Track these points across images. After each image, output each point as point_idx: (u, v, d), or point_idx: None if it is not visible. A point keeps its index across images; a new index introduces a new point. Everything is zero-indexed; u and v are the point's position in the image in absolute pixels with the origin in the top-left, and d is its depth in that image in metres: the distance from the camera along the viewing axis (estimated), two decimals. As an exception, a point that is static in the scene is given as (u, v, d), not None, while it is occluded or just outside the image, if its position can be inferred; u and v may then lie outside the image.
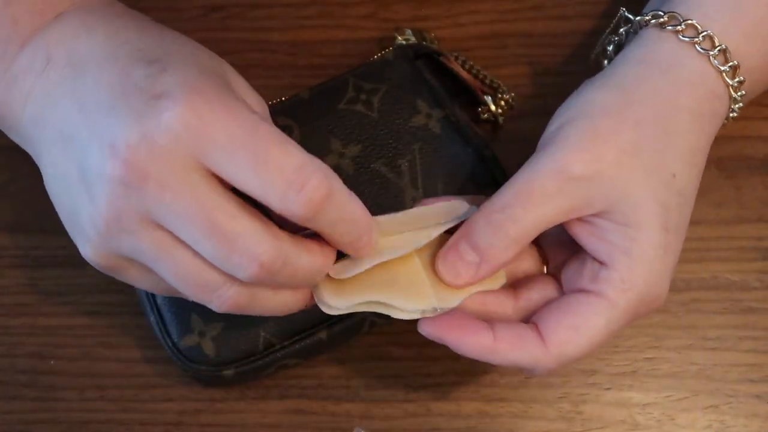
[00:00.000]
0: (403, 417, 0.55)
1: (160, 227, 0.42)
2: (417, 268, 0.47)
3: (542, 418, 0.55)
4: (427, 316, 0.46)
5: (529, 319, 0.47)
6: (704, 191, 0.58)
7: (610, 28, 0.54)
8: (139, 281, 0.46)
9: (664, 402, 0.55)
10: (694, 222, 0.57)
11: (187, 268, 0.42)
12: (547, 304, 0.47)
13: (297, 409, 0.55)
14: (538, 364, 0.46)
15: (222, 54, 0.63)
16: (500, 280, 0.48)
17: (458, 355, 0.55)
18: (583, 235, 0.46)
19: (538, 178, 0.45)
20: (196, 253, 0.42)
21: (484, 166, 0.55)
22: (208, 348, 0.52)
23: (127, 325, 0.57)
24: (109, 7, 0.48)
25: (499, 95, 0.60)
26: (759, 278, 0.56)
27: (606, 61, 0.55)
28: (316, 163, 0.41)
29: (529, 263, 0.50)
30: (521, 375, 0.55)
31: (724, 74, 0.49)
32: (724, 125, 0.51)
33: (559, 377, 0.55)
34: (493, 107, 0.59)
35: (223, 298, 0.43)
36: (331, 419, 0.55)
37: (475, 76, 0.60)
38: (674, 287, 0.56)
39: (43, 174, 0.46)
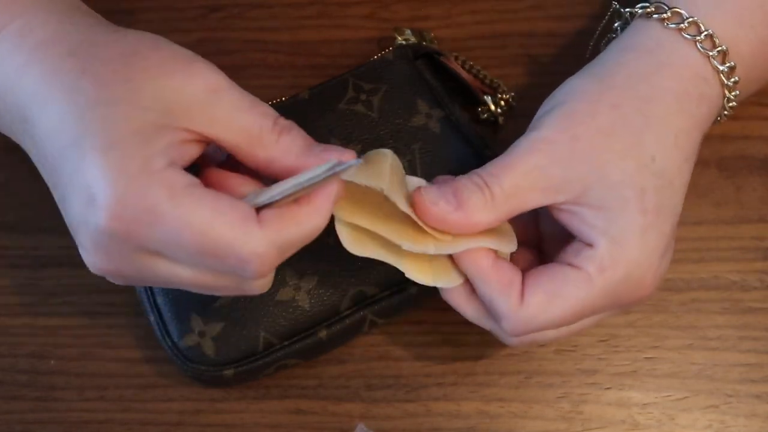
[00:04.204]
0: (403, 417, 0.55)
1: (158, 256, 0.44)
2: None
3: (542, 418, 0.55)
4: (438, 285, 0.48)
5: None
6: (704, 191, 0.58)
7: (603, 24, 0.54)
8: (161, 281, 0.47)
9: (664, 402, 0.55)
10: (694, 222, 0.57)
11: (199, 284, 0.45)
12: (535, 269, 0.48)
13: (297, 409, 0.55)
14: (508, 320, 0.46)
15: (222, 54, 0.63)
16: (511, 245, 0.48)
17: (458, 355, 0.55)
18: (569, 221, 0.47)
19: (518, 155, 0.46)
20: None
21: (484, 166, 0.55)
22: (208, 348, 0.52)
23: (127, 325, 0.57)
24: (26, 37, 0.46)
25: (499, 95, 0.60)
26: (759, 278, 0.56)
27: None
28: (251, 238, 0.42)
29: (522, 263, 0.50)
30: (521, 375, 0.55)
31: (711, 59, 0.49)
32: (724, 117, 0.51)
33: (558, 377, 0.55)
34: (493, 107, 0.59)
35: (256, 291, 0.46)
36: (331, 419, 0.55)
37: (475, 76, 0.60)
38: (674, 287, 0.56)
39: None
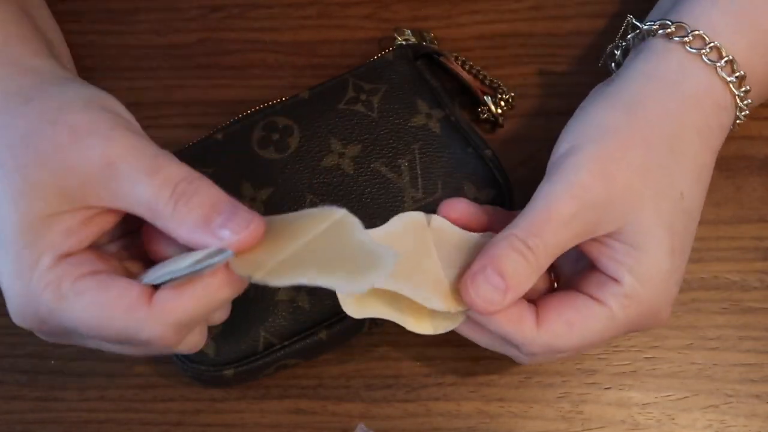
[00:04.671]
0: (403, 417, 0.55)
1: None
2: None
3: (542, 418, 0.55)
4: (441, 332, 0.48)
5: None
6: (704, 191, 0.58)
7: (619, 35, 0.54)
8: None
9: (664, 402, 0.55)
10: (694, 222, 0.57)
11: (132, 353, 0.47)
12: (554, 293, 0.48)
13: (297, 409, 0.55)
14: (525, 346, 0.46)
15: (222, 54, 0.63)
16: None
17: (458, 355, 0.55)
18: (593, 252, 0.47)
19: (554, 205, 0.45)
20: None
21: (484, 166, 0.55)
22: (208, 348, 0.52)
23: (127, 325, 0.57)
24: None
25: (499, 95, 0.60)
26: (759, 278, 0.56)
27: (613, 65, 0.55)
28: (144, 323, 0.42)
29: (540, 284, 0.50)
30: (521, 375, 0.55)
31: (731, 85, 0.49)
32: (729, 132, 0.51)
33: (559, 377, 0.55)
34: (493, 107, 0.59)
35: (191, 349, 0.47)
36: (331, 419, 0.55)
37: (475, 76, 0.60)
38: (674, 287, 0.56)
39: None
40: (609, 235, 0.46)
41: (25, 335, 0.57)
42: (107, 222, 0.44)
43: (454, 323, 0.48)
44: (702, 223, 0.57)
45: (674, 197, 0.47)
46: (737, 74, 0.49)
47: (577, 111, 0.50)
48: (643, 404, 0.55)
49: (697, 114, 0.48)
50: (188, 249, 0.44)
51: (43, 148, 0.43)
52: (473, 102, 0.59)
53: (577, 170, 0.46)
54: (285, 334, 0.53)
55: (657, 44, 0.50)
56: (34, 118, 0.44)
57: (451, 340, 0.56)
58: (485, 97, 0.59)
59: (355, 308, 0.47)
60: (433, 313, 0.48)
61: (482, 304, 0.45)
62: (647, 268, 0.46)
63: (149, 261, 0.46)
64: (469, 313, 0.47)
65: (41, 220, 0.43)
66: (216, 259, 0.42)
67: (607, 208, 0.46)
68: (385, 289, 0.46)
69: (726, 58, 0.49)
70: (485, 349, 0.51)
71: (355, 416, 0.55)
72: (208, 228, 0.42)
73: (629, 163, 0.46)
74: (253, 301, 0.52)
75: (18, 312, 0.44)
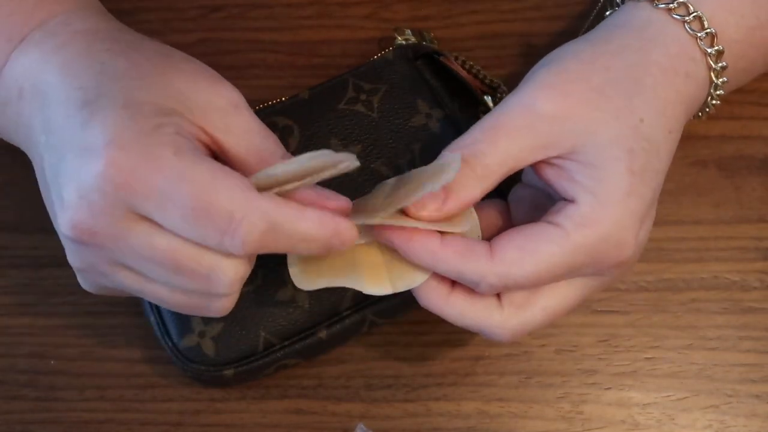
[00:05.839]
0: (403, 417, 0.55)
1: (130, 268, 0.44)
2: (374, 250, 0.47)
3: (542, 418, 0.55)
4: (401, 290, 0.47)
5: None
6: (704, 191, 0.58)
7: (594, 12, 0.54)
8: (144, 295, 0.47)
9: (664, 402, 0.55)
10: (694, 222, 0.57)
11: (167, 295, 0.44)
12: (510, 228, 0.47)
13: (297, 409, 0.55)
14: (483, 279, 0.45)
15: (222, 54, 0.63)
16: (463, 226, 0.47)
17: (458, 355, 0.55)
18: (550, 176, 0.47)
19: (505, 114, 0.46)
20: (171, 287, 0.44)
21: (484, 166, 0.55)
22: (208, 348, 0.52)
23: (127, 325, 0.57)
24: (65, 26, 0.47)
25: (499, 95, 0.60)
26: (759, 278, 0.56)
27: None
28: (245, 206, 0.41)
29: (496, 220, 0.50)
30: (521, 375, 0.55)
31: (698, 40, 0.49)
32: (712, 107, 0.51)
33: (559, 377, 0.55)
34: (493, 107, 0.59)
35: (219, 311, 0.45)
36: (331, 419, 0.55)
37: (475, 76, 0.60)
38: (674, 287, 0.56)
39: None
40: (564, 156, 0.46)
41: (25, 335, 0.57)
42: (204, 152, 0.44)
43: (414, 282, 0.46)
44: (702, 223, 0.57)
45: (633, 121, 0.46)
46: (707, 30, 0.49)
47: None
48: (643, 404, 0.55)
49: (661, 55, 0.48)
50: None
51: (180, 68, 0.45)
52: (473, 102, 0.59)
53: (533, 85, 0.46)
54: (285, 334, 0.53)
55: (627, 4, 0.51)
56: (169, 48, 0.46)
57: (451, 340, 0.56)
58: (485, 97, 0.59)
59: (304, 280, 0.47)
60: (390, 270, 0.47)
61: (418, 210, 0.45)
62: (603, 186, 0.45)
63: None
64: (414, 257, 0.45)
65: (171, 109, 0.43)
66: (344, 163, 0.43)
67: (560, 124, 0.45)
68: (339, 256, 0.46)
69: (694, 14, 0.49)
70: (485, 349, 0.51)
71: (355, 416, 0.55)
72: (313, 189, 0.44)
73: (586, 83, 0.46)
74: (253, 301, 0.52)
75: (113, 160, 0.41)
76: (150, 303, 0.54)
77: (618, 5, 0.53)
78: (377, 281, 0.47)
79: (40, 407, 0.56)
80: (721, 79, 0.50)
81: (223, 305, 0.45)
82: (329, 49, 0.63)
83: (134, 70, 0.44)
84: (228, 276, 0.43)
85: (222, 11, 0.64)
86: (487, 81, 0.60)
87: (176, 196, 0.41)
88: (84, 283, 0.47)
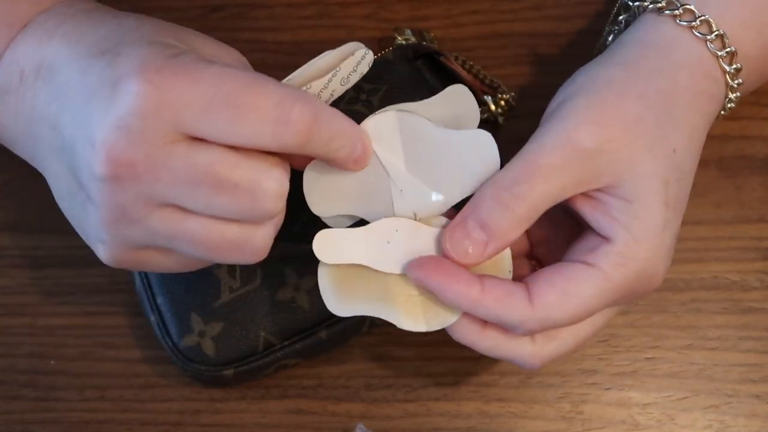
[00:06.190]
0: (403, 417, 0.55)
1: (166, 206, 0.42)
2: (408, 281, 0.46)
3: (542, 418, 0.55)
4: (435, 329, 0.47)
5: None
6: (704, 191, 0.58)
7: (611, 18, 0.54)
8: (164, 265, 0.46)
9: (664, 402, 0.55)
10: (694, 222, 0.57)
11: (206, 234, 0.43)
12: (542, 269, 0.47)
13: (297, 409, 0.55)
14: (523, 324, 0.45)
15: (222, 54, 0.63)
16: (505, 268, 0.47)
17: (459, 355, 0.55)
18: (587, 209, 0.46)
19: (545, 152, 0.45)
20: (210, 216, 0.42)
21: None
22: (208, 348, 0.52)
23: (127, 325, 0.57)
24: (68, 8, 0.48)
25: (499, 95, 0.60)
26: (759, 278, 0.56)
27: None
28: (292, 93, 0.41)
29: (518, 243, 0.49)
30: (521, 375, 0.55)
31: (720, 59, 0.49)
32: (721, 116, 0.51)
33: (559, 377, 0.55)
34: (493, 107, 0.59)
35: (256, 249, 0.44)
36: (331, 419, 0.55)
37: (475, 76, 0.60)
38: (674, 287, 0.56)
39: (51, 187, 0.47)
40: (602, 190, 0.45)
41: (25, 335, 0.57)
42: None
43: (448, 320, 0.47)
44: (702, 223, 0.57)
45: (667, 151, 0.46)
46: (727, 50, 0.49)
47: (574, 74, 0.49)
48: (644, 404, 0.55)
49: (689, 78, 0.48)
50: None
51: (194, 39, 0.46)
52: (473, 102, 0.59)
53: (569, 119, 0.45)
54: (285, 334, 0.53)
55: (648, 18, 0.50)
56: (170, 24, 0.47)
57: (450, 340, 0.56)
58: (485, 97, 0.59)
59: (337, 302, 0.46)
60: (425, 307, 0.47)
61: (461, 257, 0.45)
62: (641, 222, 0.45)
63: None
64: (453, 303, 0.45)
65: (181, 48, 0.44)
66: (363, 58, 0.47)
67: (598, 159, 0.45)
68: (374, 284, 0.46)
69: (716, 32, 0.49)
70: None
71: (355, 416, 0.55)
72: None
73: (624, 114, 0.46)
74: (253, 301, 0.52)
75: (147, 78, 0.40)
76: (150, 303, 0.54)
77: (633, 9, 0.52)
78: (413, 319, 0.46)
79: (40, 407, 0.56)
80: (735, 94, 0.50)
81: (263, 238, 0.44)
82: (329, 49, 0.62)
83: (147, 26, 0.45)
84: (272, 188, 0.42)
85: (222, 11, 0.64)
86: (487, 81, 0.60)
87: (220, 98, 0.40)
88: (108, 248, 0.44)
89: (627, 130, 0.45)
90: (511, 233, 0.45)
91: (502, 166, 0.47)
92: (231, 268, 0.53)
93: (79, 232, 0.46)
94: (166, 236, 0.43)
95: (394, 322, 0.46)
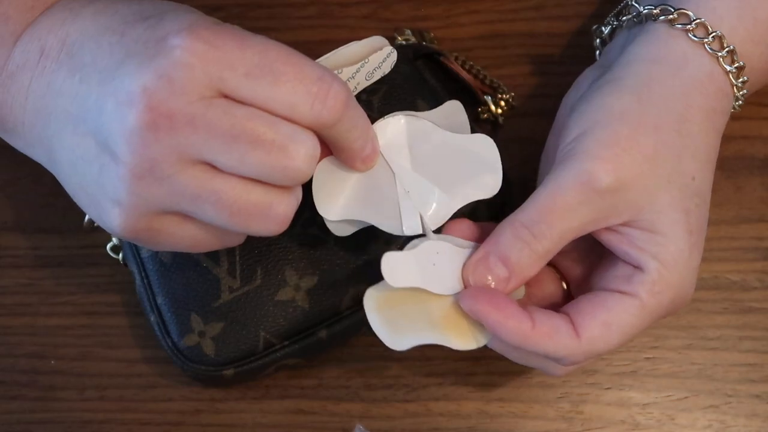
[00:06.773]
0: (403, 417, 0.55)
1: (197, 162, 0.42)
2: (447, 303, 0.47)
3: (542, 418, 0.55)
4: (482, 345, 0.47)
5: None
6: (704, 191, 0.58)
7: (612, 13, 0.54)
8: (177, 237, 0.45)
9: (664, 402, 0.55)
10: (694, 222, 0.57)
11: (233, 194, 0.43)
12: (580, 298, 0.47)
13: (297, 409, 0.55)
14: (569, 357, 0.46)
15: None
16: (519, 293, 0.48)
17: (459, 355, 0.55)
18: (612, 242, 0.47)
19: (561, 192, 0.45)
20: (239, 177, 0.43)
21: (484, 166, 0.55)
22: (208, 348, 0.52)
23: (127, 325, 0.57)
24: None
25: (499, 95, 0.60)
26: (759, 278, 0.56)
27: (597, 41, 0.55)
28: (331, 73, 0.43)
29: (550, 287, 0.50)
30: (521, 375, 0.55)
31: (729, 75, 0.49)
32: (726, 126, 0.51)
33: (559, 377, 0.55)
34: (493, 107, 0.59)
35: (279, 217, 0.44)
36: (331, 419, 0.55)
37: (475, 76, 0.60)
38: (674, 287, 0.56)
39: (57, 169, 0.46)
40: (625, 224, 0.46)
41: (25, 335, 0.57)
42: None
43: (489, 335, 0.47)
44: (702, 223, 0.57)
45: (685, 180, 0.47)
46: (737, 65, 0.49)
47: (582, 99, 0.49)
48: (644, 404, 0.55)
49: (702, 97, 0.48)
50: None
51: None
52: (473, 102, 0.59)
53: (586, 157, 0.45)
54: (285, 334, 0.53)
55: (659, 29, 0.50)
56: None
57: (451, 340, 0.56)
58: (485, 97, 0.59)
59: (393, 342, 0.46)
60: (470, 324, 0.46)
61: (486, 296, 0.45)
62: (669, 251, 0.46)
63: None
64: (504, 337, 0.45)
65: None
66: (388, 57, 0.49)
67: (616, 196, 0.45)
68: (416, 312, 0.46)
69: (727, 48, 0.49)
70: (485, 349, 0.51)
71: (355, 416, 0.55)
72: None
73: (640, 149, 0.46)
74: (253, 301, 0.52)
75: (192, 36, 0.41)
76: (150, 303, 0.54)
77: (640, 14, 0.51)
78: (463, 338, 0.46)
79: (40, 407, 0.56)
80: (738, 103, 0.51)
81: (287, 206, 0.44)
82: (329, 49, 0.62)
83: (184, 6, 0.45)
84: (305, 149, 0.42)
85: (222, 11, 0.64)
86: (487, 81, 0.60)
87: (264, 64, 0.41)
88: (124, 212, 0.43)
89: (644, 165, 0.46)
90: (531, 269, 0.46)
91: (503, 170, 0.48)
92: (231, 268, 0.53)
93: (89, 208, 0.45)
94: (192, 196, 0.42)
95: (446, 345, 0.46)
